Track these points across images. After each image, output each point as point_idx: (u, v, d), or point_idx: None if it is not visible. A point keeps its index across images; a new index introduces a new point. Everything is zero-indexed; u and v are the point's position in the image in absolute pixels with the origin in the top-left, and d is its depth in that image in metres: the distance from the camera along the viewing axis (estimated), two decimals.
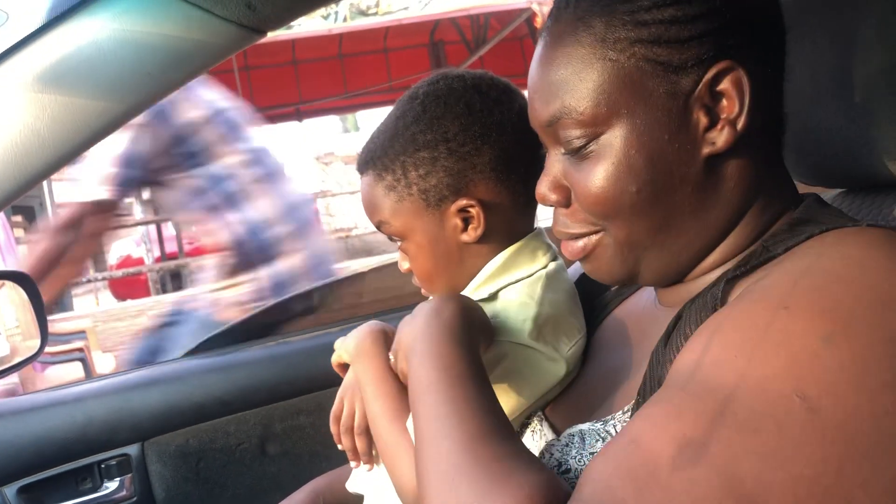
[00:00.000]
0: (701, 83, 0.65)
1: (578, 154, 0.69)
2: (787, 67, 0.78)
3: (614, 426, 0.68)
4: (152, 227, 8.67)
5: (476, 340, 0.75)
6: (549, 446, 0.73)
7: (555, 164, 0.73)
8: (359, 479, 1.06)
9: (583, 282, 0.95)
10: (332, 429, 0.95)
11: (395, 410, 0.83)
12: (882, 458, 0.48)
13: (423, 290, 0.98)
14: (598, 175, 0.67)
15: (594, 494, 0.52)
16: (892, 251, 0.56)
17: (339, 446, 0.96)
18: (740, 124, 0.65)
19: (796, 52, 0.84)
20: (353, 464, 0.94)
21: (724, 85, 0.65)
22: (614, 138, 0.66)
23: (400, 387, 0.84)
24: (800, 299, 0.54)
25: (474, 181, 0.88)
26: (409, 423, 0.81)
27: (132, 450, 1.44)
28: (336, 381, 1.55)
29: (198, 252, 9.87)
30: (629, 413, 0.68)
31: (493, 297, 0.87)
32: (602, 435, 0.68)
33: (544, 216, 0.91)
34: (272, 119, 9.97)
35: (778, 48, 0.70)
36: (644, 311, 0.82)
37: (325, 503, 1.12)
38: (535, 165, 0.91)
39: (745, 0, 0.66)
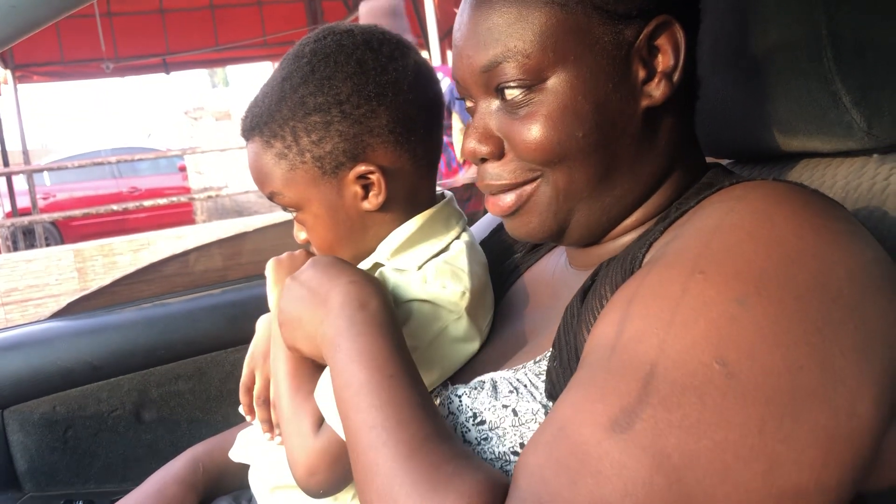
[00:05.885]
0: (641, 35, 0.66)
1: (518, 100, 0.67)
2: None
3: (525, 374, 0.68)
4: (2, 180, 8.11)
5: (402, 335, 0.71)
6: (454, 389, 0.72)
7: (484, 115, 0.71)
8: (245, 447, 1.02)
9: (487, 248, 0.94)
10: (243, 399, 0.91)
11: (300, 380, 0.80)
12: (801, 411, 0.49)
13: None
14: (543, 121, 0.66)
15: (530, 487, 0.51)
16: (797, 204, 0.57)
17: (249, 418, 0.92)
18: (675, 77, 0.67)
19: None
20: (267, 436, 0.90)
21: (661, 39, 0.66)
22: (559, 84, 0.66)
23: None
24: (713, 262, 0.54)
25: (372, 146, 0.82)
26: (317, 393, 0.78)
27: None
28: (218, 346, 1.51)
29: (54, 208, 9.32)
30: (542, 363, 0.68)
31: (419, 267, 0.83)
32: (514, 384, 0.68)
33: None
34: (137, 70, 9.46)
35: (698, 11, 0.72)
36: (555, 274, 0.82)
37: (205, 471, 1.07)
38: (434, 126, 0.88)
39: None
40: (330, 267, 0.75)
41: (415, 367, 0.68)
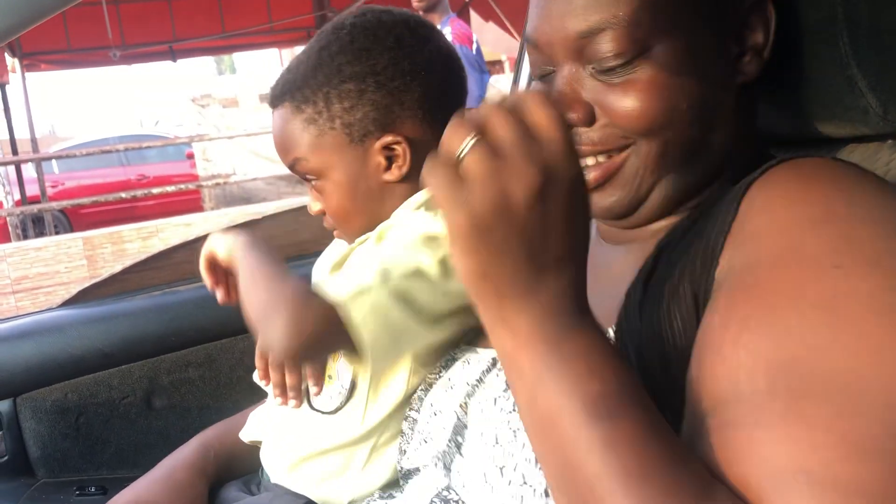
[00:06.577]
0: (740, 11, 0.67)
1: (617, 67, 0.65)
2: None
3: None
4: (11, 169, 8.13)
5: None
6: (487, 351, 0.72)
7: (571, 80, 0.68)
8: (256, 425, 1.03)
9: None
10: (259, 364, 0.91)
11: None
12: None
13: (335, 232, 0.94)
14: (647, 89, 0.64)
15: None
16: (875, 183, 0.56)
17: (263, 383, 0.92)
18: (765, 54, 0.68)
19: None
20: (278, 401, 0.90)
21: (754, 16, 0.68)
22: (663, 54, 0.64)
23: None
24: (842, 254, 0.51)
25: (401, 118, 0.86)
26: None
27: (2, 406, 1.35)
28: (227, 333, 1.50)
29: (63, 196, 9.35)
30: None
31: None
32: None
33: None
34: (144, 58, 9.45)
35: None
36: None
37: (215, 455, 1.07)
38: (458, 108, 0.90)
39: None
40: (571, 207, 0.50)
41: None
